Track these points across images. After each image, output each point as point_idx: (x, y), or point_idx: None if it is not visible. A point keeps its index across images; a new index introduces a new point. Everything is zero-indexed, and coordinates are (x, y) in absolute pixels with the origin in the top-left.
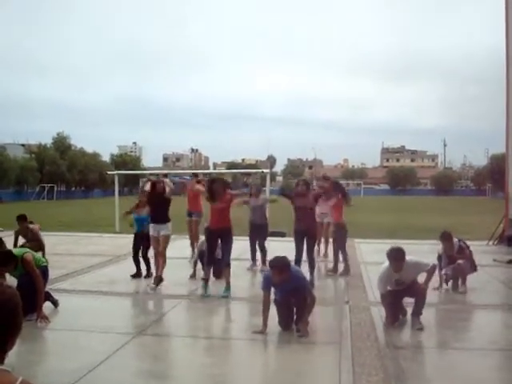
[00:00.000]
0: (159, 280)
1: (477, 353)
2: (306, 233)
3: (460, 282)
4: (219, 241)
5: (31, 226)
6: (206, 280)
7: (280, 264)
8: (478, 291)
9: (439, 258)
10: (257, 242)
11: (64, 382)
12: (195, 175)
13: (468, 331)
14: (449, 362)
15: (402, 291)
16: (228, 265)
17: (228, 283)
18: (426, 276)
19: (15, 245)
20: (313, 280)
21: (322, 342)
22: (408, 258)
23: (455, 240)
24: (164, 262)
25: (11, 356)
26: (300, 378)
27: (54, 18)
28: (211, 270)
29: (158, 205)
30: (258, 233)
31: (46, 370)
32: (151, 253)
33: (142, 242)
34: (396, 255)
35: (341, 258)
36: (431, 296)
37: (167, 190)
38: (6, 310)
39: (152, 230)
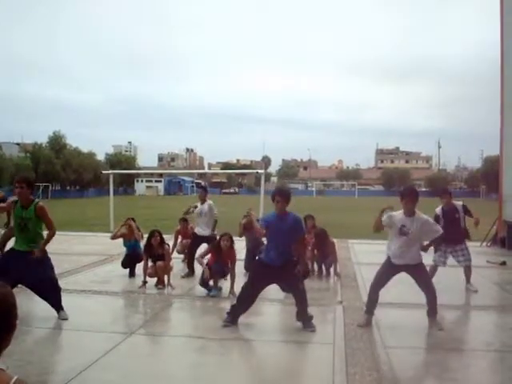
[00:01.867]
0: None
1: (471, 354)
2: None
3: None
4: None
5: None
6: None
7: (285, 191)
8: (471, 292)
9: (436, 218)
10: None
11: (57, 381)
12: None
13: (462, 332)
14: (443, 363)
15: (403, 266)
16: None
17: (216, 284)
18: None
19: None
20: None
21: (315, 343)
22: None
23: (459, 203)
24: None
25: (4, 355)
26: (293, 378)
27: (50, 18)
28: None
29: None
30: None
31: (38, 370)
32: None
33: (133, 262)
34: (410, 191)
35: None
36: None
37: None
38: (1, 309)
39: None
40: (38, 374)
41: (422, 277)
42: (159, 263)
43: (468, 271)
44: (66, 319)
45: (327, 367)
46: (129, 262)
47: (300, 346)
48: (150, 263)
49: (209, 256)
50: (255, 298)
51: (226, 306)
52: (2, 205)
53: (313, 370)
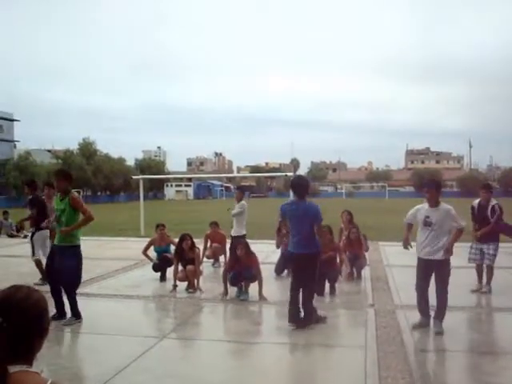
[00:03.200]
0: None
1: (505, 357)
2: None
3: (485, 280)
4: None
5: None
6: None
7: (303, 181)
8: (503, 294)
9: (472, 208)
10: None
11: None
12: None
13: (494, 335)
14: (477, 367)
15: (429, 267)
16: (249, 278)
17: (246, 288)
18: (452, 237)
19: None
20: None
21: (347, 346)
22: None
23: (494, 202)
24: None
25: (37, 359)
26: (325, 382)
27: (80, 24)
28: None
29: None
30: None
31: (72, 374)
32: None
33: (163, 266)
34: (430, 182)
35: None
36: (455, 299)
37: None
38: (33, 314)
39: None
40: (71, 379)
41: (442, 275)
42: (189, 267)
43: (489, 271)
44: (71, 325)
45: (359, 371)
46: (160, 266)
47: (331, 350)
48: (180, 267)
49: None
50: (298, 288)
51: (256, 309)
52: None
53: (345, 373)
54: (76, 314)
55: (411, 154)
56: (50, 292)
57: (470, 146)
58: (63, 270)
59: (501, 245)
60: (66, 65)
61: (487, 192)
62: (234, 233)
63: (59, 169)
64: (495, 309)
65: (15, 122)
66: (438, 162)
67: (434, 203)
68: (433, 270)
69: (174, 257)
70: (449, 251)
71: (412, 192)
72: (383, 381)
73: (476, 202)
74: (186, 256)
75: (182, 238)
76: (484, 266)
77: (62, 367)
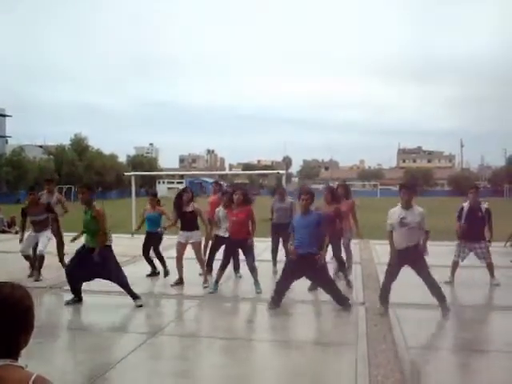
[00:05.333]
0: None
1: (495, 355)
2: None
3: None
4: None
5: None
6: (217, 281)
7: (308, 189)
8: (495, 293)
9: (460, 211)
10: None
11: (82, 381)
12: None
13: (486, 333)
14: (466, 364)
15: (405, 259)
16: (253, 269)
17: (256, 281)
18: (422, 239)
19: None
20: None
21: (337, 344)
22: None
23: (485, 205)
24: (202, 265)
25: (28, 355)
26: (316, 380)
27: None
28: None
29: (186, 214)
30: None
31: (63, 369)
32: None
33: (152, 242)
34: (406, 185)
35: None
36: (448, 297)
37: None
38: (17, 310)
39: (182, 237)
40: (63, 374)
41: (424, 266)
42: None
43: (491, 267)
44: (141, 306)
45: (350, 369)
46: (149, 242)
47: (322, 348)
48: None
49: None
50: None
51: (248, 306)
52: None
53: (335, 371)
54: (137, 296)
55: (403, 153)
56: (69, 282)
57: (462, 146)
58: (110, 268)
59: (493, 244)
60: (58, 61)
61: (474, 192)
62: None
63: (84, 183)
64: (486, 307)
65: (6, 118)
66: (429, 161)
67: (409, 205)
68: (405, 261)
69: (173, 209)
70: (425, 251)
71: None
72: (374, 379)
73: (466, 204)
74: (184, 210)
75: (183, 190)
76: (486, 263)
77: (53, 363)
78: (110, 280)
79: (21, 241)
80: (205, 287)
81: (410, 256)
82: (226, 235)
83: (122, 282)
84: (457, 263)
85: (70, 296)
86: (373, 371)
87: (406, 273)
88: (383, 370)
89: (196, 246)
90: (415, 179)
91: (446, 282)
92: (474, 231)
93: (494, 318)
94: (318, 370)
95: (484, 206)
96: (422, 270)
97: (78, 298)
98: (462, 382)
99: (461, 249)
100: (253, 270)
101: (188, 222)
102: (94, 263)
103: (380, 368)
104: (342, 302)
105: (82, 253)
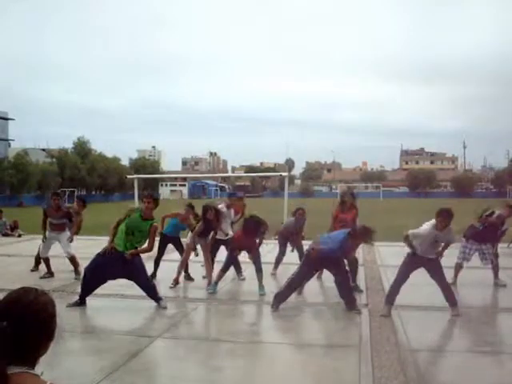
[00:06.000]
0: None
1: (499, 357)
2: None
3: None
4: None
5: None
6: (216, 282)
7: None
8: (499, 294)
9: (491, 214)
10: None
11: None
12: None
13: (491, 334)
14: (470, 366)
15: (421, 262)
16: (260, 270)
17: (261, 283)
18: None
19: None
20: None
21: (341, 346)
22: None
23: (497, 213)
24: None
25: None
26: (319, 382)
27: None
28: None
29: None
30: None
31: (66, 373)
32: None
33: (167, 242)
34: (448, 213)
35: None
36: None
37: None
38: (41, 317)
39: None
40: (66, 378)
41: (438, 269)
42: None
43: (496, 269)
44: (166, 308)
45: (353, 371)
46: (164, 243)
47: (325, 350)
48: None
49: None
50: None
51: (250, 309)
52: None
53: (339, 373)
54: (160, 298)
55: (406, 155)
56: (86, 284)
57: (465, 147)
58: (140, 274)
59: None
60: (61, 63)
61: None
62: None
63: (151, 193)
64: (490, 309)
65: (9, 121)
66: (432, 162)
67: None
68: (420, 264)
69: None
70: (440, 254)
71: (406, 192)
72: (377, 381)
73: (497, 212)
74: (211, 226)
75: (206, 209)
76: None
77: (56, 366)
78: (136, 281)
79: (43, 240)
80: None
81: (425, 259)
82: (224, 237)
83: (149, 286)
84: (460, 265)
85: (74, 298)
86: (376, 373)
87: (413, 274)
88: (387, 372)
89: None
90: (451, 209)
91: (449, 283)
92: (487, 234)
93: (500, 320)
94: (322, 371)
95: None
96: (437, 273)
97: (81, 301)
98: (466, 383)
99: (466, 250)
100: (259, 271)
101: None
102: (118, 264)
103: (383, 370)
104: (351, 304)
105: (106, 256)
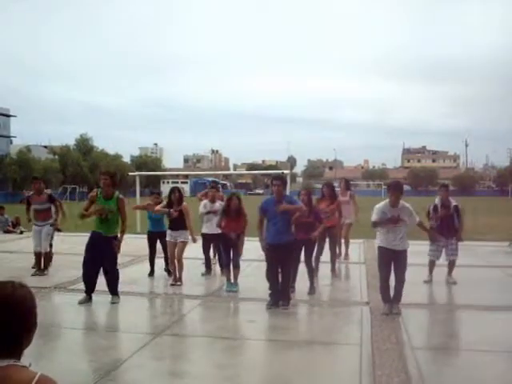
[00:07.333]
0: (178, 280)
1: (500, 355)
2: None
3: (447, 272)
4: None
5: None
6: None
7: (282, 177)
8: (499, 293)
9: (434, 207)
10: None
11: (85, 381)
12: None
13: (491, 333)
14: (471, 364)
15: (391, 253)
16: (237, 266)
17: (236, 279)
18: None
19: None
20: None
21: (341, 344)
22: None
23: (454, 203)
24: (181, 266)
25: (32, 355)
26: (319, 380)
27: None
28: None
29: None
30: None
31: (66, 369)
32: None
33: (155, 238)
34: (396, 185)
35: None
36: (451, 297)
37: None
38: (19, 310)
39: (169, 236)
40: (67, 374)
41: (403, 264)
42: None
43: (452, 265)
44: (117, 303)
45: (354, 369)
46: (153, 239)
47: (326, 348)
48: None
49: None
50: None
51: (251, 306)
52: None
53: (339, 371)
54: (116, 293)
55: (408, 153)
56: (86, 275)
57: (466, 145)
58: (113, 256)
59: (496, 243)
60: (63, 61)
61: (444, 191)
62: (206, 230)
63: (106, 170)
64: (491, 308)
65: (11, 118)
66: (434, 160)
67: (397, 203)
68: (392, 257)
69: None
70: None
71: (408, 190)
72: (378, 379)
73: (438, 200)
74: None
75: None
76: (449, 260)
77: (55, 362)
78: (106, 268)
79: (29, 220)
80: (171, 285)
81: (391, 251)
82: (212, 232)
83: (114, 275)
84: (433, 262)
85: (75, 295)
86: (377, 371)
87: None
88: (388, 370)
89: (181, 246)
90: (399, 181)
91: (425, 280)
92: (446, 228)
93: (500, 319)
94: (322, 369)
95: (454, 203)
96: (400, 265)
97: (89, 297)
98: (467, 381)
99: (435, 247)
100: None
101: (175, 221)
102: (100, 243)
103: (384, 368)
104: (283, 294)
105: (91, 244)
